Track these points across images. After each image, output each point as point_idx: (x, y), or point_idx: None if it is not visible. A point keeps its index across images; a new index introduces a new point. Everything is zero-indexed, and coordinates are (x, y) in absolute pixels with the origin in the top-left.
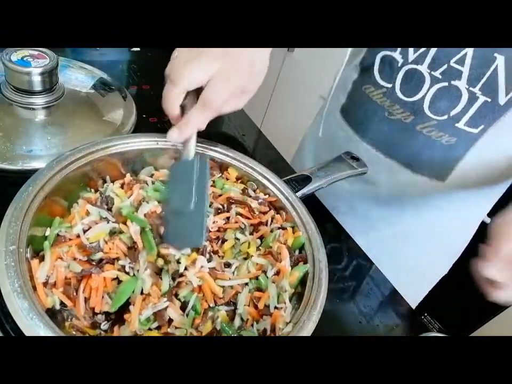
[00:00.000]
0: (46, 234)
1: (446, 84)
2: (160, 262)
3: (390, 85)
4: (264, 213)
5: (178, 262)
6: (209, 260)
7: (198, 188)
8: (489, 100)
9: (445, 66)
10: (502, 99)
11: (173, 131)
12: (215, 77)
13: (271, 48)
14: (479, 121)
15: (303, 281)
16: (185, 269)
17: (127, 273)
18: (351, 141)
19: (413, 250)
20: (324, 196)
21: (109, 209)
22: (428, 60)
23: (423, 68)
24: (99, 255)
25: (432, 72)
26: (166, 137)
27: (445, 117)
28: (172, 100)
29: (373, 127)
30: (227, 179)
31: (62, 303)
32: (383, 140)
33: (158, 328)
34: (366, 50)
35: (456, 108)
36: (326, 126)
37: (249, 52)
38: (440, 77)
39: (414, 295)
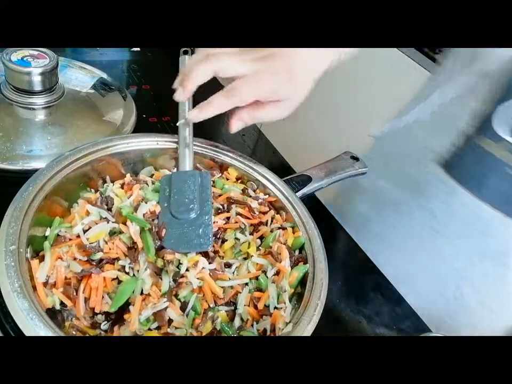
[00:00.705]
0: (46, 234)
1: None
2: (160, 262)
3: None
4: (264, 213)
5: (180, 263)
6: (210, 262)
7: (201, 194)
8: None
9: None
10: None
11: (194, 110)
12: (249, 75)
13: (319, 68)
14: None
15: (303, 281)
16: (186, 270)
17: (127, 273)
18: (455, 195)
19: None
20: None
21: (109, 209)
22: None
23: None
24: (99, 255)
25: None
26: (187, 116)
27: None
28: (198, 73)
29: (490, 184)
30: (227, 179)
31: (62, 303)
32: (502, 197)
33: (158, 328)
34: (482, 100)
35: None
36: (407, 171)
37: (291, 63)
38: None
39: None
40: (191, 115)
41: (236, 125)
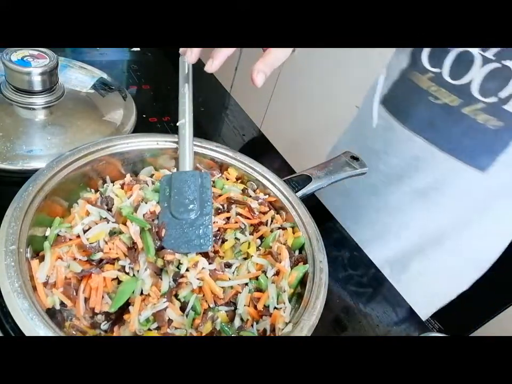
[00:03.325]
0: (46, 234)
1: (498, 64)
2: (160, 262)
3: (438, 70)
4: (264, 213)
5: (180, 263)
6: (210, 262)
7: (201, 195)
8: None
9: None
10: None
11: (208, 62)
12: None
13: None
14: None
15: (303, 281)
16: (186, 270)
17: (127, 273)
18: (390, 130)
19: (441, 256)
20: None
21: (109, 210)
22: None
23: (475, 50)
24: (99, 255)
25: (484, 53)
26: (205, 69)
27: (493, 99)
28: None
29: (417, 114)
30: (227, 179)
31: (62, 303)
32: (427, 125)
33: (158, 328)
34: None
35: (505, 88)
36: (363, 121)
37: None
38: (492, 58)
39: (426, 308)
40: (208, 67)
41: (259, 78)
